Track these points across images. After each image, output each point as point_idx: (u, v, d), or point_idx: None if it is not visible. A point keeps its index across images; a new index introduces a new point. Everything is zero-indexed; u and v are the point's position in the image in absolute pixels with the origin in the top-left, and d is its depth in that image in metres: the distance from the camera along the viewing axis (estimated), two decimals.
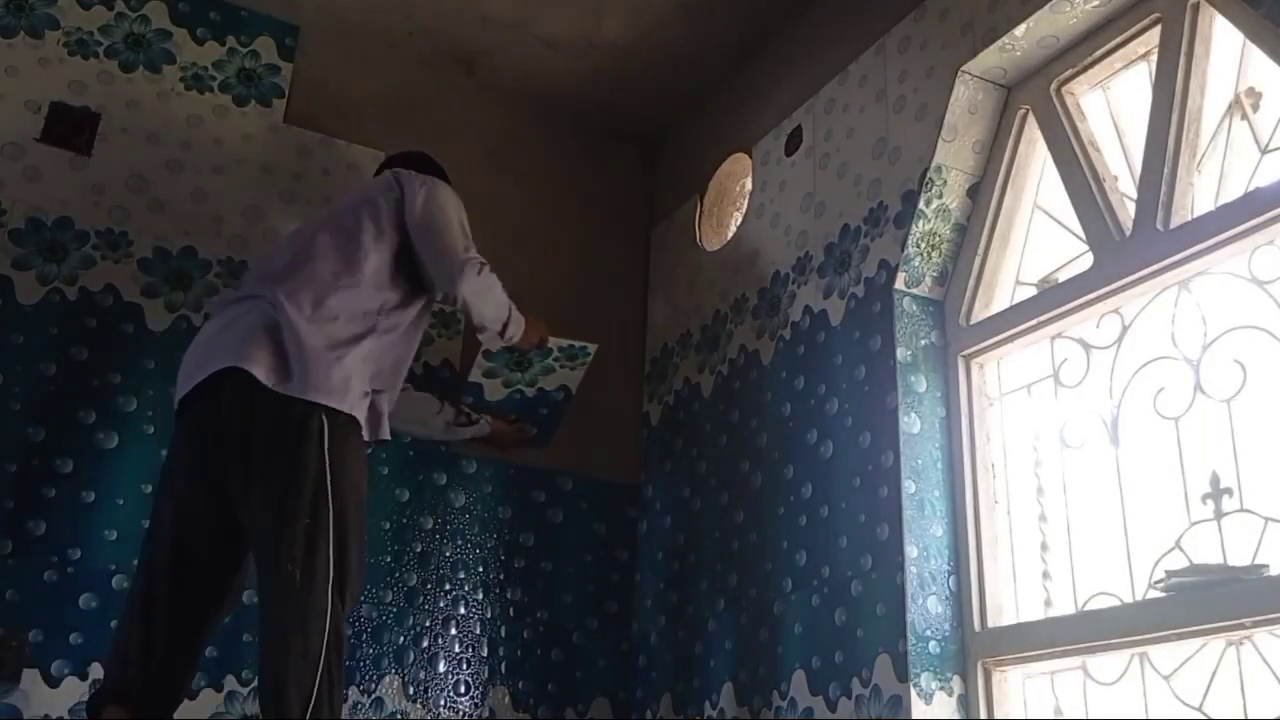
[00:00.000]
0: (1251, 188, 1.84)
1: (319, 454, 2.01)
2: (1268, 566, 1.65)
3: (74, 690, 2.30)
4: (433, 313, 2.91)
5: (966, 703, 2.02)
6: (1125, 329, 2.00)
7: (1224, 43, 1.96)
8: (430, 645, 2.67)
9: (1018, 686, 2.03)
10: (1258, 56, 1.89)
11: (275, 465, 2.01)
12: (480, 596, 2.77)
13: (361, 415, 2.13)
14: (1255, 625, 1.63)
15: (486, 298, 2.38)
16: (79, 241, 2.58)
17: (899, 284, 2.31)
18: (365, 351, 2.17)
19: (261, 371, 2.03)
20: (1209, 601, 1.69)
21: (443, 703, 2.64)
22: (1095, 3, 2.10)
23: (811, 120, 2.75)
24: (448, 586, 2.74)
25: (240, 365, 2.03)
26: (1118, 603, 1.87)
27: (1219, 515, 1.74)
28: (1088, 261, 2.09)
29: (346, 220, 2.32)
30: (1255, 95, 1.93)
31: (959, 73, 2.29)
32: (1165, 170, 1.96)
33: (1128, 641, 1.80)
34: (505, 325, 2.43)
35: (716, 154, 3.15)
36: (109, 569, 2.40)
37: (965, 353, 2.27)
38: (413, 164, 2.54)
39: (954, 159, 2.32)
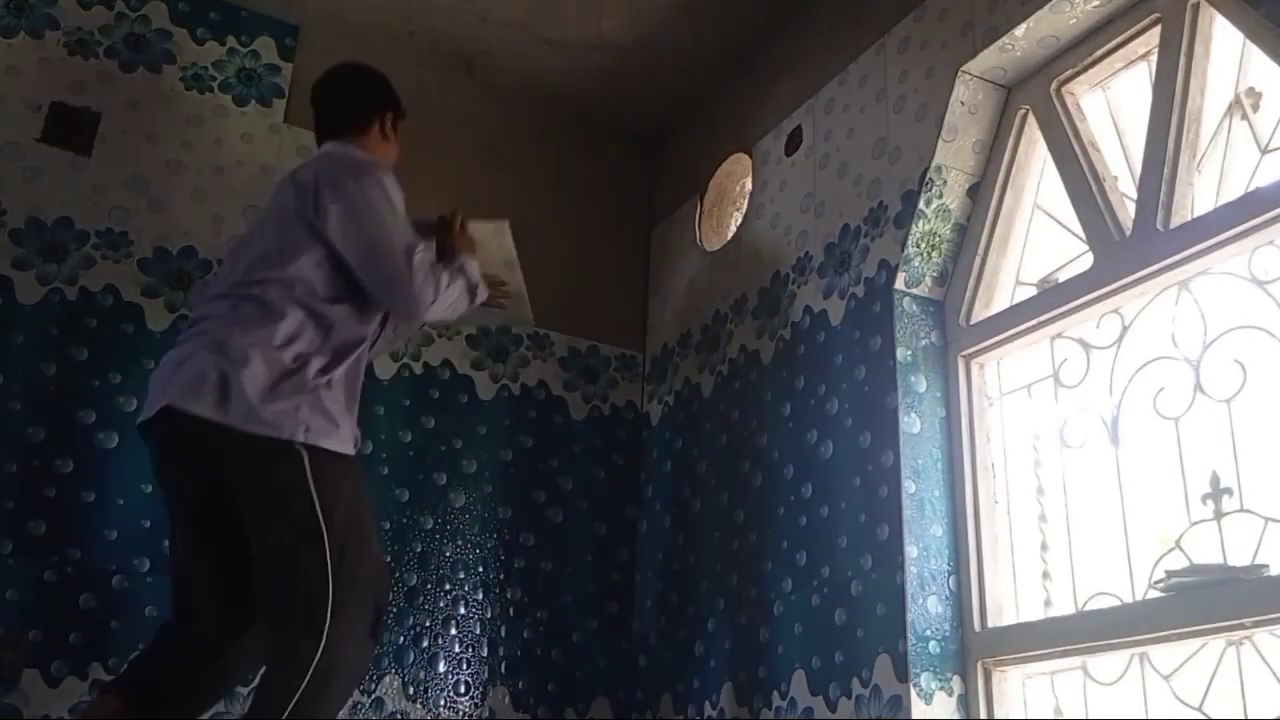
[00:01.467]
0: (1251, 188, 1.84)
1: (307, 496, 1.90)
2: (1268, 566, 1.66)
3: (74, 690, 2.30)
4: None
5: (966, 703, 2.02)
6: (1125, 329, 2.00)
7: (1224, 43, 1.96)
8: (430, 645, 2.67)
9: (1018, 686, 2.03)
10: (1258, 56, 1.89)
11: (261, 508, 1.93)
12: (480, 596, 2.77)
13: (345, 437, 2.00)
14: (1255, 625, 1.63)
15: (450, 303, 2.12)
16: (79, 241, 2.58)
17: (899, 284, 2.31)
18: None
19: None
20: (1209, 601, 1.69)
21: (443, 703, 2.65)
22: (1095, 3, 2.10)
23: (811, 120, 2.75)
24: (448, 586, 2.74)
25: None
26: (1118, 603, 1.87)
27: (1219, 515, 1.74)
28: (1088, 261, 2.09)
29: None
30: (1255, 95, 1.93)
31: (959, 73, 2.29)
32: (1165, 170, 1.96)
33: (1128, 641, 1.80)
34: (473, 295, 2.18)
35: (716, 154, 3.15)
36: (109, 569, 2.40)
37: (965, 353, 2.27)
38: (336, 119, 2.26)
39: (954, 159, 2.32)
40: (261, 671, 1.90)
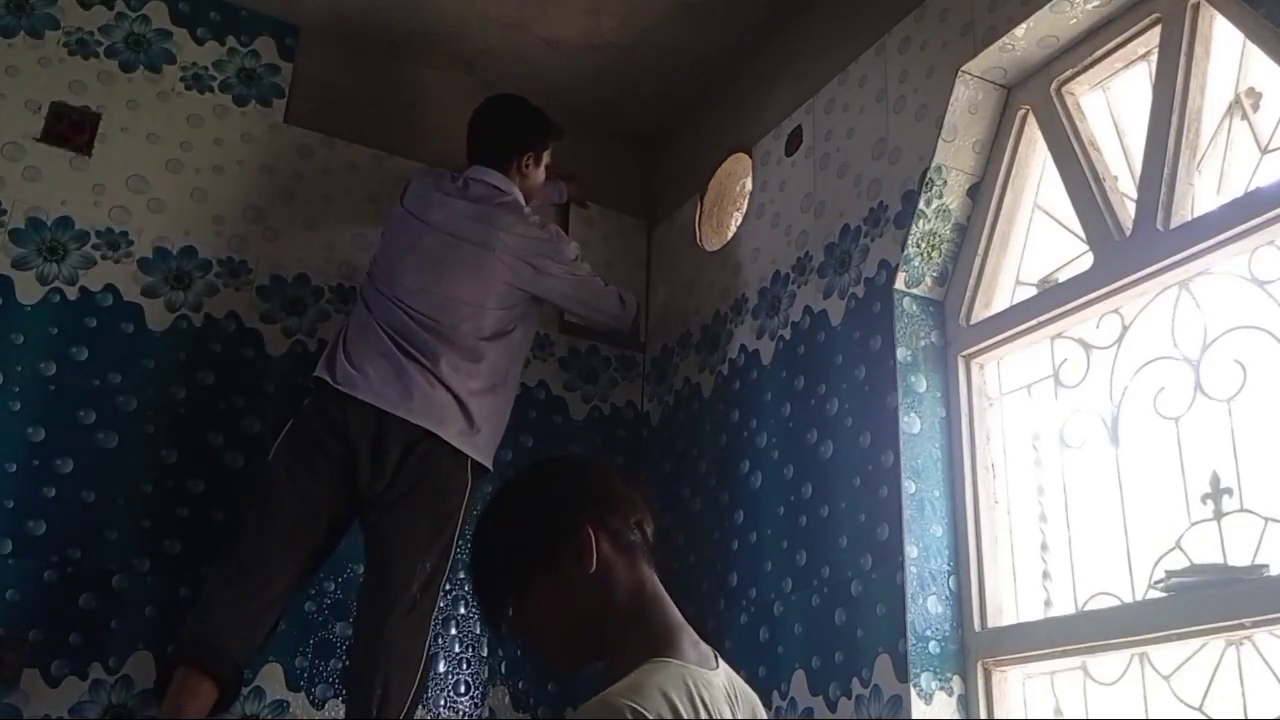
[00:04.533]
0: (1251, 188, 1.84)
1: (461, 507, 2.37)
2: (1268, 566, 1.66)
3: (74, 690, 2.30)
4: None
5: (966, 703, 2.02)
6: (1125, 329, 2.00)
7: (1224, 43, 1.96)
8: (430, 645, 2.67)
9: (1018, 686, 2.03)
10: (1258, 56, 1.89)
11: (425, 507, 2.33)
12: None
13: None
14: (1255, 625, 1.63)
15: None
16: (79, 241, 2.58)
17: (899, 284, 2.31)
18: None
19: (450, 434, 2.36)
20: (1209, 601, 1.69)
21: (443, 703, 2.64)
22: (1095, 3, 2.10)
23: (811, 120, 2.75)
24: (448, 586, 2.73)
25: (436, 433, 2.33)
26: (1118, 603, 1.87)
27: (1219, 515, 1.74)
28: (1088, 261, 2.09)
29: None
30: (1255, 95, 1.92)
31: (959, 73, 2.29)
32: (1165, 170, 1.96)
33: (1128, 641, 1.80)
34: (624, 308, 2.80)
35: (716, 154, 3.15)
36: (109, 569, 2.40)
37: (965, 353, 2.27)
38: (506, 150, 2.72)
39: (954, 159, 2.32)
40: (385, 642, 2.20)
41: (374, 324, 2.42)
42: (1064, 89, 2.23)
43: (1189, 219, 1.91)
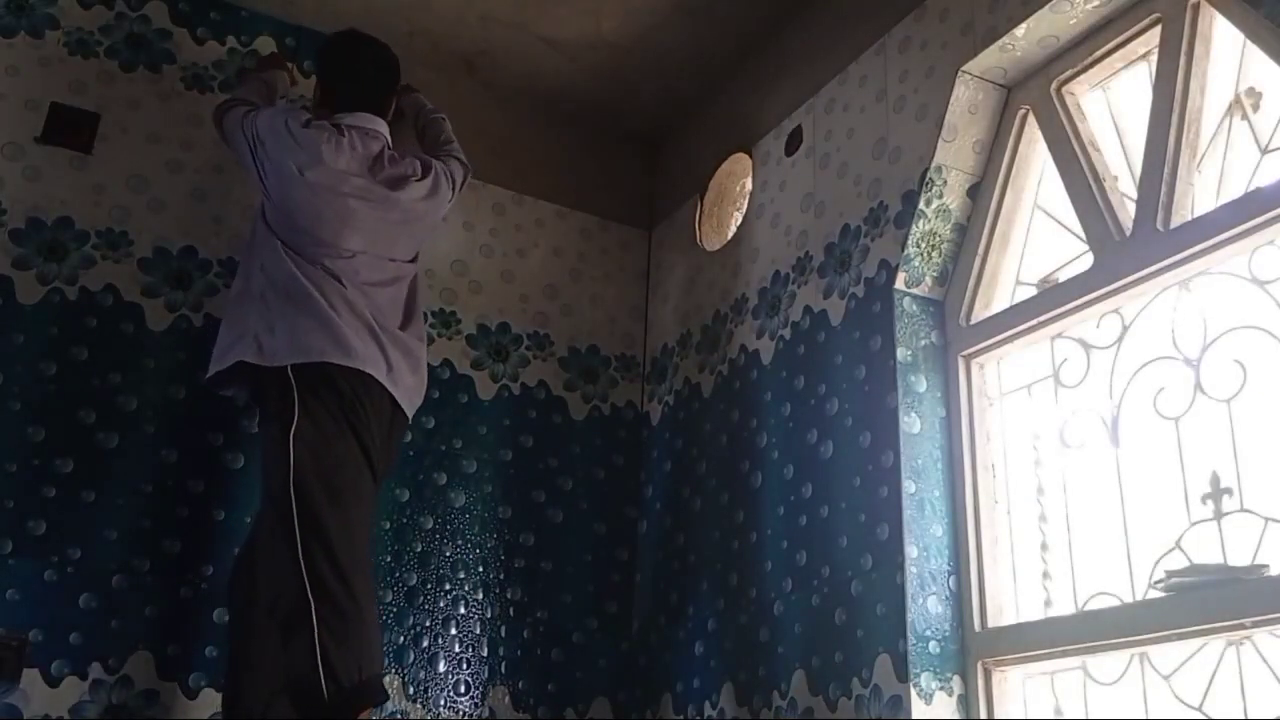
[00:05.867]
0: (1251, 188, 1.84)
1: None
2: (1268, 566, 1.66)
3: (74, 690, 2.30)
4: (433, 313, 2.93)
5: (966, 703, 2.02)
6: (1125, 329, 2.00)
7: (1224, 43, 1.96)
8: (430, 645, 2.67)
9: (1018, 686, 2.03)
10: (1258, 56, 1.89)
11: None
12: (480, 596, 2.77)
13: None
14: (1255, 625, 1.63)
15: None
16: (79, 241, 2.58)
17: (899, 284, 2.31)
18: None
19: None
20: (1209, 601, 1.69)
21: (443, 703, 2.65)
22: (1095, 3, 2.10)
23: (811, 120, 2.75)
24: (448, 586, 2.74)
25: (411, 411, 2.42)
26: (1118, 603, 1.87)
27: (1219, 515, 1.74)
28: (1088, 261, 2.09)
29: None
30: (1255, 95, 1.93)
31: (959, 73, 2.29)
32: (1165, 170, 1.96)
33: (1128, 641, 1.81)
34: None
35: (716, 154, 3.15)
36: (109, 569, 2.40)
37: (965, 353, 2.27)
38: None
39: (954, 159, 2.32)
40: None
41: None
42: (1064, 89, 2.23)
43: (1189, 219, 1.91)
